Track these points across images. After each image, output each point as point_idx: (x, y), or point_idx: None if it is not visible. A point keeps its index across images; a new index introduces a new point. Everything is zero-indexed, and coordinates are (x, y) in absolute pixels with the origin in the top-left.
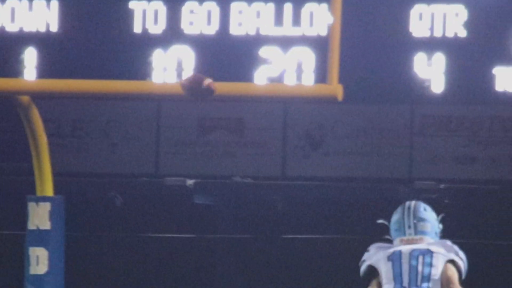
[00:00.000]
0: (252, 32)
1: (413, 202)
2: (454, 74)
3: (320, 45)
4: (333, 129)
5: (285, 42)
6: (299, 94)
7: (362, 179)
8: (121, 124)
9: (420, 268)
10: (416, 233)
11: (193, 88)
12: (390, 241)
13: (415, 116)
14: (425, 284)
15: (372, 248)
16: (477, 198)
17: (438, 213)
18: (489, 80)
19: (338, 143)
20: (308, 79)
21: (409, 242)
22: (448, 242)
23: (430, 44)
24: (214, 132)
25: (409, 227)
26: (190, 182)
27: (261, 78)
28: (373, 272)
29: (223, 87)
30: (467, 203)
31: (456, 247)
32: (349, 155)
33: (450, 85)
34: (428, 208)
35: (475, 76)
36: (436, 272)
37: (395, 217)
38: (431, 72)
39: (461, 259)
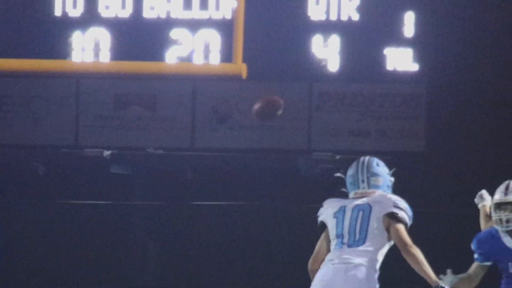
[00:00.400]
0: (163, 16)
1: (367, 158)
2: (348, 54)
3: (225, 27)
4: (237, 104)
5: (194, 25)
6: (206, 73)
7: (265, 150)
8: (43, 99)
9: (359, 223)
10: (369, 187)
11: (266, 113)
12: (346, 194)
13: (313, 92)
14: (362, 239)
15: (326, 203)
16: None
17: (335, 183)
18: (380, 60)
19: (242, 118)
20: (215, 59)
21: (362, 195)
22: (388, 196)
23: (326, 27)
24: (129, 107)
25: (363, 181)
26: (107, 153)
27: (171, 57)
28: (325, 226)
29: (137, 66)
30: None
31: (395, 199)
32: (252, 128)
33: (345, 64)
34: (381, 164)
35: (367, 56)
36: (374, 225)
37: (350, 171)
38: (328, 52)
39: (402, 209)
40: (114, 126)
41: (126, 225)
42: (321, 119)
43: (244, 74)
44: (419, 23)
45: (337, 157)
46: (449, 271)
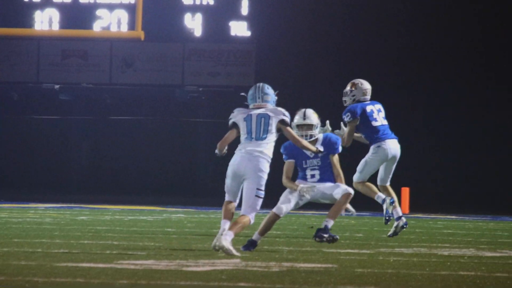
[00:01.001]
0: (92, 1)
1: (261, 84)
2: (207, 25)
3: (131, 8)
4: (138, 56)
5: (111, 7)
6: (119, 36)
7: (156, 84)
8: (17, 53)
9: (262, 126)
10: (262, 101)
11: None
12: (247, 106)
13: (185, 49)
14: (264, 135)
15: (236, 110)
16: (226, 96)
17: (201, 105)
18: (227, 29)
19: (141, 64)
20: (124, 28)
21: (259, 106)
22: (279, 108)
23: (194, 8)
24: (71, 58)
25: (259, 98)
26: (56, 86)
27: (97, 27)
28: (235, 125)
29: (75, 32)
30: (217, 100)
31: (282, 110)
32: (148, 71)
33: (205, 31)
34: (270, 87)
35: (220, 26)
36: (271, 128)
37: (250, 92)
38: (194, 24)
39: (286, 116)
40: (61, 70)
41: (69, 131)
42: (190, 66)
43: (142, 37)
44: (250, 6)
45: (200, 89)
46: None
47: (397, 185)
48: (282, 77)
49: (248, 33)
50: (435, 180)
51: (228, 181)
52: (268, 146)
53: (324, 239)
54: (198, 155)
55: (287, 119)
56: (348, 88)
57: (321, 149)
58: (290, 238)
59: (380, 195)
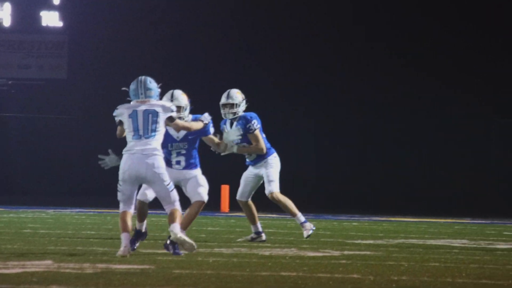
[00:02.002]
0: None
1: (143, 77)
2: (17, 14)
3: None
4: None
5: None
6: None
7: (20, 78)
8: None
9: (149, 123)
10: (145, 97)
11: None
12: (129, 101)
13: None
14: (153, 133)
15: (119, 107)
16: (38, 89)
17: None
18: (38, 19)
19: None
20: None
21: (142, 102)
22: (168, 104)
23: None
24: None
25: (141, 93)
26: None
27: None
28: (121, 123)
29: None
30: (28, 94)
31: (170, 105)
32: None
33: (15, 21)
34: (152, 81)
35: (30, 16)
36: (159, 126)
37: (132, 86)
38: (2, 14)
39: (173, 111)
40: None
41: None
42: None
43: None
44: None
45: (10, 82)
46: (110, 150)
47: (217, 182)
48: (96, 69)
49: (60, 24)
50: None
51: (124, 187)
52: (158, 142)
53: (170, 251)
54: (9, 151)
55: (175, 114)
56: (237, 98)
57: (208, 118)
58: (105, 239)
59: (300, 217)
